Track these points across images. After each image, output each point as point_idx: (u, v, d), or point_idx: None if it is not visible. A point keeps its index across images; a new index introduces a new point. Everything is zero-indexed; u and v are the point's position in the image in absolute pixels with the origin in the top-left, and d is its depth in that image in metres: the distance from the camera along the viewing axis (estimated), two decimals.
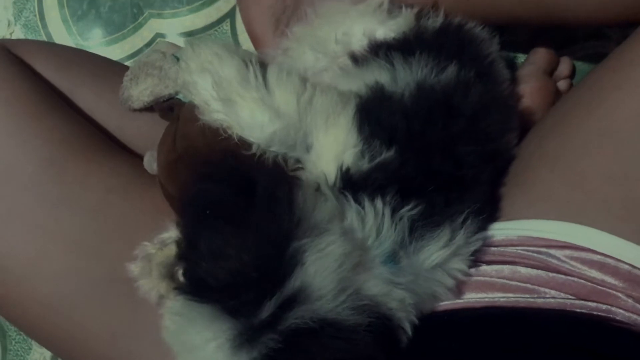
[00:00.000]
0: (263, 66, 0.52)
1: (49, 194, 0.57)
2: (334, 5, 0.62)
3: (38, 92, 0.60)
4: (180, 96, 0.57)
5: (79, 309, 0.57)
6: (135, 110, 0.59)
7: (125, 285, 0.56)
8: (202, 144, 0.53)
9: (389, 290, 0.45)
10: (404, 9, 0.60)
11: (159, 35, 0.80)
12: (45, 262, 0.56)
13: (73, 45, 0.80)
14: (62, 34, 0.80)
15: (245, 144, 0.50)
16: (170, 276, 0.53)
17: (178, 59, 0.57)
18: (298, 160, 0.51)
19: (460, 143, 0.51)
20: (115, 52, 0.80)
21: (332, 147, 0.49)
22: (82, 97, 0.65)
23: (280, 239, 0.41)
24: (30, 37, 0.80)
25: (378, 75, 0.54)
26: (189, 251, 0.44)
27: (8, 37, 0.80)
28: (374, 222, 0.46)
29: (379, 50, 0.56)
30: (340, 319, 0.42)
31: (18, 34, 0.80)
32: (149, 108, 0.60)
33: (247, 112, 0.50)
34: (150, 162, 0.59)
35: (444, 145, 0.50)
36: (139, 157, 0.63)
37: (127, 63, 0.80)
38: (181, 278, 0.45)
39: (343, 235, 0.44)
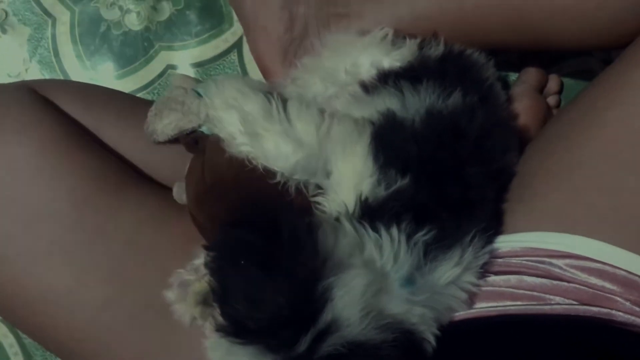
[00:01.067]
0: (283, 99, 0.56)
1: (84, 230, 0.59)
2: (340, 38, 0.65)
3: (67, 131, 0.62)
4: (203, 129, 0.60)
5: (116, 337, 0.60)
6: (159, 143, 0.62)
7: (159, 313, 0.59)
8: (230, 175, 0.56)
9: (409, 308, 0.48)
10: (407, 39, 0.63)
11: (170, 66, 0.83)
12: (84, 294, 0.59)
13: (87, 80, 0.82)
14: (76, 69, 0.83)
15: (269, 173, 0.54)
16: (204, 302, 0.56)
17: (199, 94, 0.60)
18: (318, 186, 0.55)
19: (468, 165, 0.54)
20: (128, 85, 0.82)
21: (350, 175, 0.53)
22: (108, 134, 0.67)
23: (309, 280, 0.45)
24: (45, 73, 0.82)
25: (388, 102, 0.57)
26: (224, 296, 0.47)
27: (24, 73, 0.82)
28: (391, 249, 0.49)
29: (388, 78, 0.60)
30: (367, 339, 0.46)
31: (34, 70, 0.82)
32: (171, 141, 0.63)
33: (272, 144, 0.53)
34: (180, 193, 0.61)
35: (454, 169, 0.54)
36: (166, 188, 0.66)
37: (141, 94, 0.82)
38: (219, 318, 0.48)
39: (365, 267, 0.47)
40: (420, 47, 0.63)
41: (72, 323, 0.60)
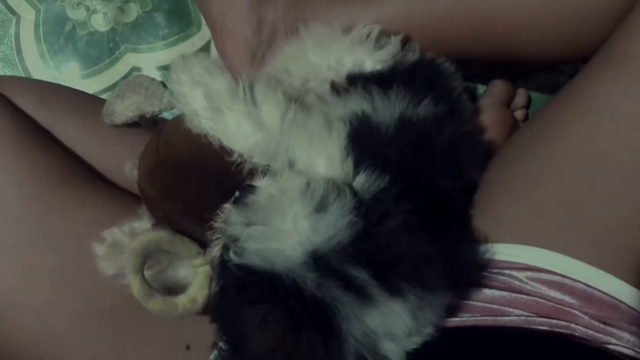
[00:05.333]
0: (251, 82, 0.55)
1: (33, 228, 0.58)
2: (326, 31, 0.64)
3: (21, 127, 0.61)
4: (164, 114, 0.60)
5: (62, 340, 0.58)
6: (117, 125, 0.61)
7: (106, 318, 0.58)
8: (184, 149, 0.56)
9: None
10: (392, 37, 0.63)
11: (135, 69, 0.82)
12: (29, 294, 0.57)
13: (50, 79, 0.81)
14: (39, 68, 0.81)
15: (226, 151, 0.53)
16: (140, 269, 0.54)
17: (165, 85, 0.59)
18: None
19: (439, 177, 0.54)
20: (92, 86, 0.81)
21: (324, 172, 0.51)
22: (64, 132, 0.66)
23: None
24: (7, 71, 0.81)
25: (359, 104, 0.56)
26: None
27: None
28: None
29: (357, 81, 0.59)
30: None
31: None
32: (129, 143, 0.62)
33: (234, 122, 0.53)
34: (132, 169, 0.61)
35: (427, 180, 0.53)
36: (121, 190, 0.65)
37: (104, 96, 0.81)
38: None
39: None
40: (403, 45, 0.63)
41: (17, 324, 0.58)
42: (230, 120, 0.53)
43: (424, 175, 0.53)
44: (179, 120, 0.56)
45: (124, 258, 0.54)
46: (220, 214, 0.51)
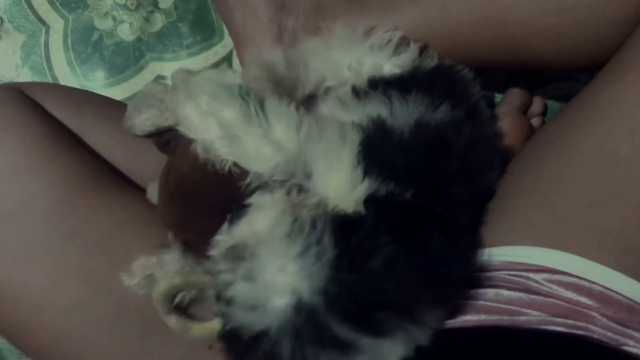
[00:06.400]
0: (260, 99, 0.55)
1: (62, 229, 0.59)
2: (349, 33, 0.66)
3: (51, 131, 0.63)
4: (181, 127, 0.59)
5: (87, 340, 0.59)
6: (138, 137, 0.61)
7: (132, 317, 0.59)
8: (193, 181, 0.56)
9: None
10: (411, 44, 0.64)
11: (160, 77, 0.84)
12: (58, 294, 0.59)
13: (78, 86, 0.83)
14: (67, 76, 0.83)
15: (233, 179, 0.53)
16: (169, 301, 0.56)
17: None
18: (300, 187, 0.54)
19: (454, 184, 0.54)
20: (117, 93, 0.83)
21: (336, 182, 0.52)
22: (92, 137, 0.68)
23: None
24: (37, 78, 0.83)
25: (378, 109, 0.57)
26: None
27: (15, 78, 0.83)
28: None
29: (378, 85, 0.60)
30: None
31: (25, 76, 0.83)
32: (156, 150, 0.63)
33: (252, 147, 0.53)
34: (152, 193, 0.62)
35: (440, 187, 0.53)
36: (143, 192, 0.66)
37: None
38: None
39: None
40: (421, 53, 0.64)
41: (45, 323, 0.59)
42: (249, 145, 0.53)
43: (434, 180, 0.54)
44: (188, 144, 0.56)
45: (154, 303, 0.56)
46: (214, 244, 0.51)
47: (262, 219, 0.50)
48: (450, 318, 0.54)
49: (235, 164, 0.53)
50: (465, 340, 0.54)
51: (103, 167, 0.67)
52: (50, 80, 0.83)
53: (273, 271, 0.47)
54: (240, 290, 0.47)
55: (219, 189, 0.54)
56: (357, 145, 0.53)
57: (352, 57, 0.63)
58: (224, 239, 0.51)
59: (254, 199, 0.52)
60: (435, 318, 0.51)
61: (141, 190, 0.68)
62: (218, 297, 0.49)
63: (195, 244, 0.57)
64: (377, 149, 0.53)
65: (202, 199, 0.56)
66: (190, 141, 0.55)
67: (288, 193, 0.52)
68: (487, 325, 0.54)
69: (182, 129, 0.55)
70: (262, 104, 0.55)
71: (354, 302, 0.46)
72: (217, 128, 0.53)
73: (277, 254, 0.47)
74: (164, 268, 0.57)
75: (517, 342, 0.53)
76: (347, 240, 0.47)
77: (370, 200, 0.51)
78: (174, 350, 0.60)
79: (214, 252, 0.51)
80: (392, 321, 0.47)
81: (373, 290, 0.46)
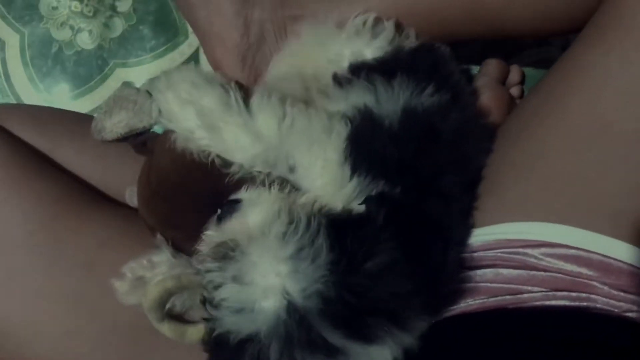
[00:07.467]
0: (241, 89, 0.54)
1: (44, 256, 0.58)
2: (320, 29, 0.64)
3: (20, 155, 0.61)
4: (155, 128, 0.58)
5: None
6: (109, 141, 0.59)
7: (126, 334, 0.58)
8: (175, 176, 0.55)
9: None
10: (385, 22, 0.63)
11: (126, 84, 0.81)
12: (46, 324, 0.57)
13: (42, 102, 0.80)
14: (29, 92, 0.81)
15: (215, 172, 0.52)
16: (161, 305, 0.55)
17: (151, 95, 0.58)
18: (285, 181, 0.53)
19: (445, 173, 0.54)
20: (85, 105, 0.81)
21: (321, 179, 0.51)
22: (62, 156, 0.66)
23: None
24: None
25: (363, 97, 0.56)
26: None
27: None
28: None
29: (361, 71, 0.59)
30: None
31: None
32: (121, 141, 0.60)
33: (231, 136, 0.52)
34: (132, 197, 0.60)
35: (431, 179, 0.53)
36: (126, 207, 0.64)
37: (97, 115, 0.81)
38: None
39: None
40: (398, 30, 0.62)
41: (37, 352, 0.58)
42: (228, 135, 0.52)
43: (425, 173, 0.53)
44: (167, 139, 0.54)
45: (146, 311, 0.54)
46: (204, 237, 0.50)
47: (255, 215, 0.48)
48: (451, 305, 0.54)
49: (217, 155, 0.52)
50: (469, 325, 0.53)
51: (77, 186, 0.65)
52: (12, 98, 0.81)
53: (264, 271, 0.46)
54: (228, 291, 0.46)
55: (203, 180, 0.53)
56: (343, 139, 0.52)
57: (329, 52, 0.61)
58: (213, 234, 0.50)
59: (246, 194, 0.51)
60: (423, 325, 0.50)
61: (119, 206, 0.66)
62: (204, 301, 0.48)
63: (183, 240, 0.55)
64: (366, 143, 0.52)
65: (187, 191, 0.54)
66: (168, 136, 0.54)
67: (275, 187, 0.51)
68: (490, 308, 0.54)
69: (162, 120, 0.54)
70: (242, 92, 0.53)
71: (347, 306, 0.45)
72: (195, 117, 0.52)
73: (269, 253, 0.46)
74: (154, 270, 0.55)
75: (522, 321, 0.52)
76: (342, 242, 0.46)
77: (366, 200, 0.50)
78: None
79: (202, 248, 0.50)
80: (382, 327, 0.46)
81: (366, 295, 0.46)
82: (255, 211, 0.49)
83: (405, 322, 0.47)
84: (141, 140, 0.59)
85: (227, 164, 0.52)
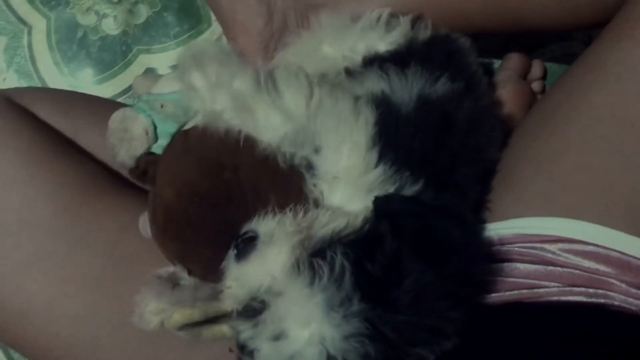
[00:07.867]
0: (269, 69, 0.54)
1: (66, 238, 0.58)
2: (336, 20, 0.64)
3: (45, 138, 0.61)
4: (153, 148, 0.57)
5: (101, 349, 0.59)
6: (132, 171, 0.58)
7: None
8: (178, 210, 0.52)
9: None
10: (400, 17, 0.62)
11: (150, 70, 0.82)
12: (66, 305, 0.58)
13: (66, 87, 0.81)
14: (54, 77, 0.82)
15: (223, 198, 0.51)
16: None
17: (142, 110, 0.57)
18: (309, 163, 0.52)
19: (459, 164, 0.53)
20: (108, 90, 0.82)
21: (348, 163, 0.50)
22: (86, 139, 0.66)
23: None
24: (23, 82, 0.81)
25: (377, 85, 0.55)
26: None
27: (1, 84, 0.81)
28: None
29: (373, 62, 0.58)
30: None
31: (11, 80, 0.81)
32: None
33: (262, 115, 0.51)
34: (145, 227, 0.57)
35: (448, 170, 0.52)
36: (146, 192, 0.65)
37: (121, 99, 0.81)
38: None
39: None
40: (413, 25, 0.62)
41: (56, 335, 0.58)
42: (258, 114, 0.51)
43: (443, 164, 0.52)
44: (167, 167, 0.53)
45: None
46: (226, 291, 0.49)
47: (275, 256, 0.47)
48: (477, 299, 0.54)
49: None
50: (485, 319, 0.53)
51: (100, 170, 0.65)
52: (38, 82, 0.82)
53: (297, 323, 0.44)
54: (266, 352, 0.45)
55: (210, 213, 0.51)
56: (372, 124, 0.51)
57: (345, 45, 0.61)
58: (235, 286, 0.48)
59: (260, 227, 0.49)
60: (459, 324, 0.48)
61: (140, 190, 0.66)
62: (241, 347, 0.47)
63: (202, 273, 0.54)
64: (394, 132, 0.51)
65: (194, 227, 0.52)
66: (168, 162, 0.53)
67: (290, 216, 0.49)
68: (506, 302, 0.54)
69: (188, 98, 0.53)
70: (271, 73, 0.53)
71: (389, 343, 0.44)
72: (229, 99, 0.51)
73: (299, 303, 0.44)
74: (177, 304, 0.53)
75: (538, 316, 0.52)
76: (366, 273, 0.45)
77: (383, 212, 0.48)
78: (190, 354, 0.60)
79: (228, 305, 0.49)
80: (429, 350, 0.45)
81: (407, 329, 0.44)
82: (274, 252, 0.47)
83: (448, 334, 0.46)
84: (141, 172, 0.57)
85: (258, 143, 0.51)
